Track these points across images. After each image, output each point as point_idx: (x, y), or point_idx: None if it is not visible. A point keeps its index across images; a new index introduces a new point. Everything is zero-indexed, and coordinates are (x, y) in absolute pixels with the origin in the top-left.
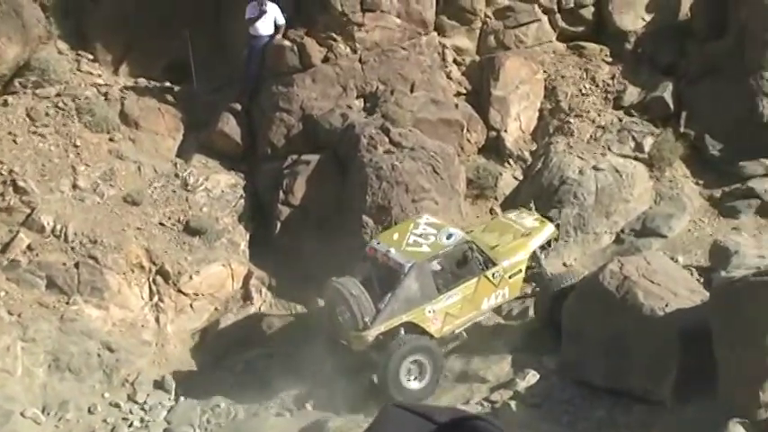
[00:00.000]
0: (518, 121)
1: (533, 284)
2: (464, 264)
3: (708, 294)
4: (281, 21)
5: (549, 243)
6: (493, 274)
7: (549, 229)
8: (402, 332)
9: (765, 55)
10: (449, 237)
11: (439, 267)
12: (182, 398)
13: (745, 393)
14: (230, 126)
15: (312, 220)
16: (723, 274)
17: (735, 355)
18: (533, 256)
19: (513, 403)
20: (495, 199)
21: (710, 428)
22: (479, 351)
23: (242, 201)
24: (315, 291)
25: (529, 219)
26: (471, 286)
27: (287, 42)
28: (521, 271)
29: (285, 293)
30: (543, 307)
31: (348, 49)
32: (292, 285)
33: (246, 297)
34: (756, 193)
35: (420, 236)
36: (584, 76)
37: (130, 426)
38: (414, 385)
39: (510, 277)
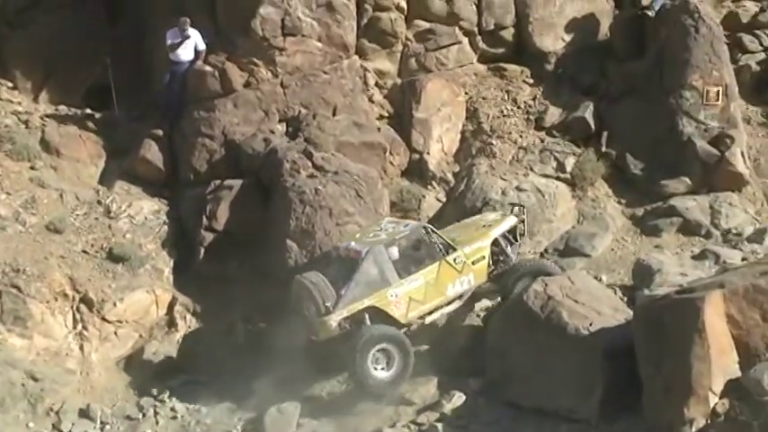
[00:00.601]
0: (440, 144)
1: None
2: (422, 248)
3: (631, 313)
4: (202, 46)
5: (515, 237)
6: (454, 260)
7: (510, 220)
8: (368, 320)
9: (684, 74)
10: (406, 225)
11: (397, 253)
12: (107, 426)
13: (670, 410)
14: (152, 152)
15: (236, 245)
16: (646, 292)
17: (659, 372)
18: (498, 246)
19: (439, 425)
20: (419, 221)
21: None
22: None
23: (165, 227)
24: (239, 315)
25: (491, 215)
26: (433, 271)
27: (208, 68)
28: (484, 257)
29: (210, 319)
30: (507, 289)
31: (269, 74)
32: (217, 310)
33: (171, 323)
34: (678, 211)
35: (380, 230)
36: (506, 98)
37: None
38: (382, 375)
39: (474, 263)
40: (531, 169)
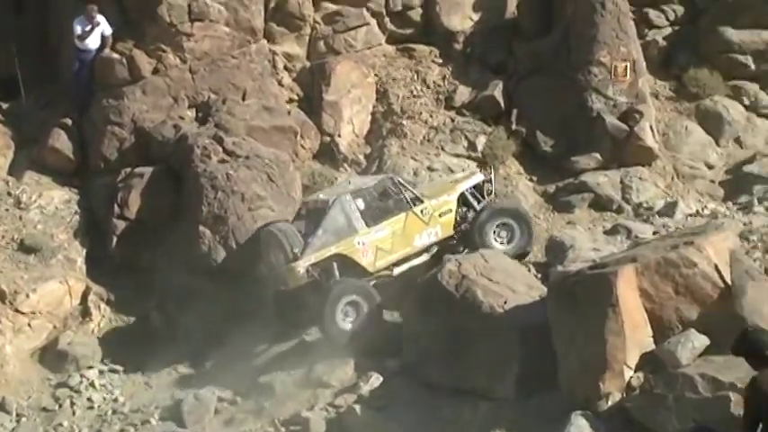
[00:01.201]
0: (351, 125)
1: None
2: (389, 198)
3: (545, 289)
4: (108, 31)
5: (483, 195)
6: (421, 211)
7: (477, 176)
8: (335, 268)
9: (592, 50)
10: (373, 178)
11: (364, 202)
12: (23, 419)
13: (586, 385)
14: (61, 141)
15: (148, 233)
16: (560, 268)
17: (574, 347)
18: (465, 201)
19: (357, 407)
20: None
21: (554, 421)
22: (322, 356)
23: (77, 216)
24: (154, 303)
25: (459, 174)
26: (400, 221)
27: (115, 55)
28: (451, 210)
29: (124, 308)
30: (473, 232)
31: (178, 60)
32: (131, 299)
33: (85, 313)
34: (589, 187)
35: (348, 183)
36: (415, 78)
37: None
38: (350, 326)
39: (440, 216)
40: (443, 149)
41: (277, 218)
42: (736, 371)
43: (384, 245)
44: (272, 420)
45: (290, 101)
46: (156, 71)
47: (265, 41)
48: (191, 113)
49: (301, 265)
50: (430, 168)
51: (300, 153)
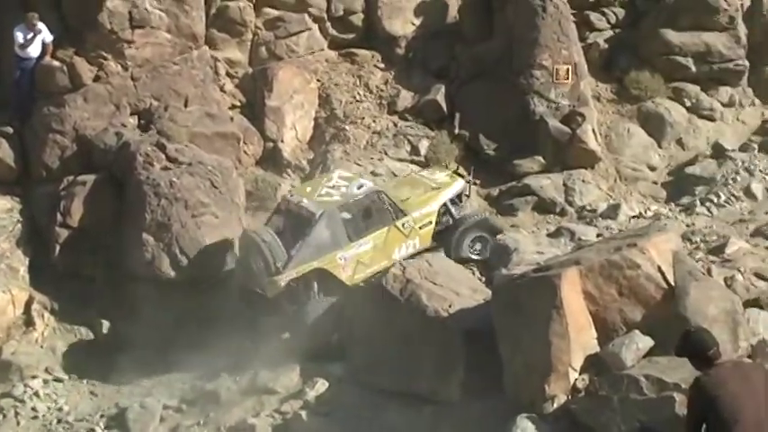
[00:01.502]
0: (294, 131)
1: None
2: (374, 213)
3: (490, 293)
4: (49, 39)
5: (460, 198)
6: (403, 224)
7: (459, 184)
8: (315, 284)
9: (533, 54)
10: (359, 187)
11: (349, 216)
12: None
13: (532, 387)
14: (3, 150)
15: (91, 241)
16: (504, 271)
17: (519, 350)
18: (445, 209)
19: (303, 413)
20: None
21: (499, 424)
22: (267, 363)
23: (19, 225)
24: (98, 312)
25: (440, 174)
26: (382, 235)
27: (56, 63)
28: (431, 222)
29: (68, 316)
30: (452, 245)
31: (119, 67)
32: (75, 307)
33: (29, 322)
34: (532, 190)
35: (332, 188)
36: (358, 83)
37: None
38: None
39: (420, 228)
40: (386, 153)
41: (221, 224)
42: (681, 371)
43: (364, 258)
44: (218, 428)
45: (233, 107)
46: (97, 78)
47: (207, 48)
48: (133, 121)
49: (283, 279)
50: (373, 173)
51: (243, 159)
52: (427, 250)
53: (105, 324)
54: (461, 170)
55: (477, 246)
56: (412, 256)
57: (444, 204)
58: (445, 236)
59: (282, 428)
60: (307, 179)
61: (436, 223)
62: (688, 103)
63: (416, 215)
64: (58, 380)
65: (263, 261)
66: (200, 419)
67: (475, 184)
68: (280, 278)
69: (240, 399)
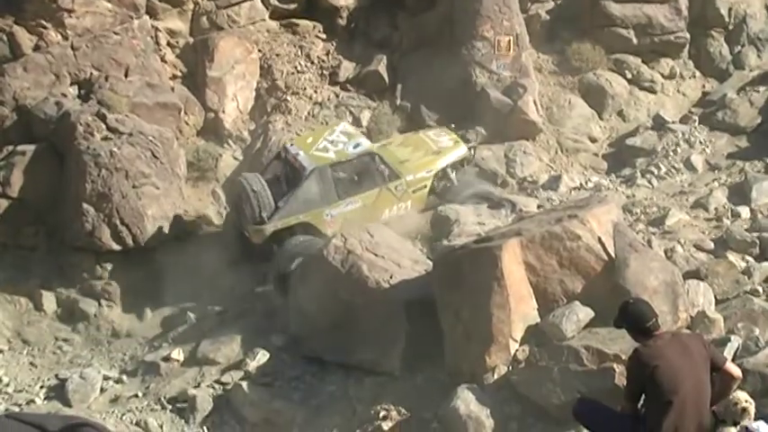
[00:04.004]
0: (235, 102)
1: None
2: (367, 174)
3: (431, 264)
4: None
5: (462, 164)
6: (396, 187)
7: (461, 150)
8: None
9: (475, 25)
10: (356, 146)
11: (341, 174)
12: None
13: (472, 358)
14: None
15: (32, 211)
16: (445, 242)
17: (460, 321)
18: (444, 174)
19: (244, 384)
20: (217, 180)
21: (440, 395)
22: (208, 334)
23: None
24: (38, 282)
25: (445, 138)
26: (372, 196)
27: None
28: (425, 186)
29: (8, 287)
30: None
31: (59, 37)
32: (15, 278)
33: None
34: (474, 161)
35: (331, 142)
36: (299, 54)
37: None
38: None
39: (414, 192)
40: (327, 124)
41: (161, 195)
42: (620, 342)
43: (351, 217)
44: (159, 399)
45: (174, 77)
46: (37, 48)
47: (148, 17)
48: (73, 90)
49: (268, 229)
50: None
51: (184, 130)
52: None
53: (46, 294)
54: (471, 136)
55: None
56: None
57: (443, 169)
58: (445, 197)
59: (223, 399)
60: (248, 150)
61: (434, 187)
62: (629, 75)
63: (410, 179)
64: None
65: (251, 210)
66: (141, 390)
67: (468, 163)
68: (265, 227)
69: (181, 369)
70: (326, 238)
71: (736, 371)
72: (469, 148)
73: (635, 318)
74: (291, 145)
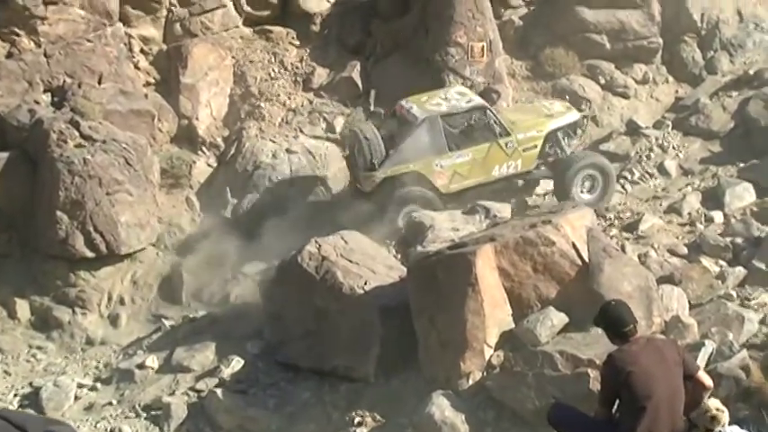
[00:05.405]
0: (209, 108)
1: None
2: (478, 127)
3: (405, 270)
4: None
5: (574, 131)
6: (506, 144)
7: (572, 115)
8: (409, 184)
9: (449, 30)
10: (468, 101)
11: (452, 126)
12: None
13: (447, 364)
14: None
15: (5, 219)
16: (419, 248)
17: (434, 327)
18: (555, 138)
19: (219, 391)
20: (191, 187)
21: (415, 400)
22: (182, 341)
23: None
24: (12, 290)
25: (557, 105)
26: (483, 150)
27: None
28: (536, 146)
29: None
30: (567, 181)
31: (32, 44)
32: None
33: None
34: None
35: (444, 99)
36: (273, 60)
37: None
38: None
39: (524, 150)
40: (301, 131)
41: (135, 202)
42: (595, 347)
43: (461, 170)
44: (133, 406)
45: (147, 84)
46: (9, 55)
47: (121, 24)
48: (46, 98)
49: (378, 176)
50: (288, 150)
51: (158, 137)
52: (529, 172)
53: (19, 302)
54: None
55: (587, 184)
56: (513, 177)
57: (554, 132)
58: (558, 170)
59: (198, 406)
60: (222, 156)
61: (543, 152)
62: (602, 81)
63: (521, 137)
64: None
65: (362, 157)
66: (115, 398)
67: (582, 131)
68: (375, 174)
69: (155, 377)
70: (436, 191)
71: (707, 380)
72: (583, 117)
73: (613, 321)
74: (406, 102)
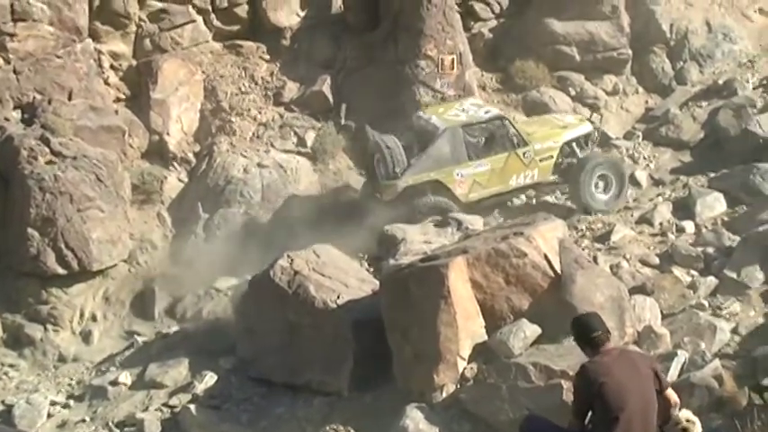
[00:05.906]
0: (180, 124)
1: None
2: (497, 138)
3: (378, 283)
4: None
5: (587, 142)
6: (524, 153)
7: (585, 127)
8: (429, 193)
9: (419, 44)
10: (486, 112)
11: (472, 136)
12: None
13: (421, 377)
14: None
15: None
16: (392, 261)
17: (407, 340)
18: (570, 149)
19: (192, 407)
20: (162, 203)
21: (389, 414)
22: (155, 357)
23: None
24: None
25: (570, 117)
26: (501, 160)
27: None
28: (552, 157)
29: None
30: (574, 186)
31: (1, 60)
32: None
33: None
34: None
35: (462, 110)
36: (243, 75)
37: None
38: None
39: (541, 160)
40: (272, 145)
41: (106, 218)
42: (568, 359)
43: (481, 179)
44: (106, 423)
45: (117, 100)
46: None
47: (90, 40)
48: (16, 114)
49: (400, 185)
50: (260, 165)
51: (129, 152)
52: (549, 185)
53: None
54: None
55: (601, 184)
56: (529, 187)
57: (569, 143)
58: (571, 174)
59: (171, 422)
60: (193, 172)
61: (559, 162)
62: (573, 92)
63: (538, 147)
64: None
65: (384, 168)
66: (88, 415)
67: (593, 143)
68: (398, 183)
69: (128, 393)
70: (456, 200)
71: (674, 398)
72: (595, 128)
73: (581, 328)
74: (423, 113)
